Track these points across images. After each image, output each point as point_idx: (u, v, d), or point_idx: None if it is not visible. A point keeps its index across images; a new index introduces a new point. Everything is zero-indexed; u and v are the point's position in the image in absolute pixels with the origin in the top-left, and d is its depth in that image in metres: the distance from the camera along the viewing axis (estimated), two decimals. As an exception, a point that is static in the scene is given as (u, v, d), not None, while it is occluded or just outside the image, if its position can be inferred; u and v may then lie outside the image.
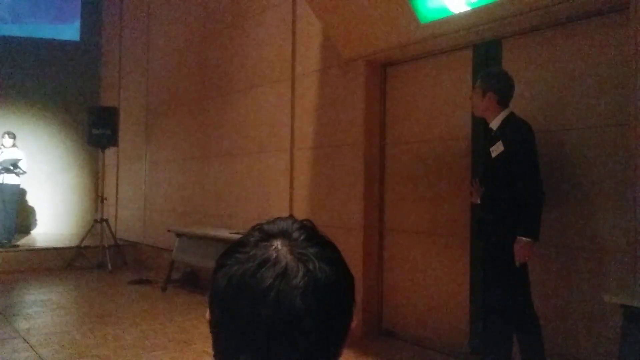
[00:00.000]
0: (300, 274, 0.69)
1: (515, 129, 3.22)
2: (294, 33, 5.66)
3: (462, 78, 4.25)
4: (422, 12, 4.06)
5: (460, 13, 3.85)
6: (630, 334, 2.43)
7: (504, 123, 3.28)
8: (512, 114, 3.30)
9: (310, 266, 0.70)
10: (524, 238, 3.08)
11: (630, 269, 3.07)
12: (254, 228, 0.77)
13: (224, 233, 5.87)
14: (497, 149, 3.24)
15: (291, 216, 0.79)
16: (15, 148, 8.49)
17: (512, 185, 3.14)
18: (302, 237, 0.74)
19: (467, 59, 4.23)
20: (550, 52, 3.71)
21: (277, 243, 0.72)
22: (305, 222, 0.78)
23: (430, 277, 4.48)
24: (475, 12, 3.77)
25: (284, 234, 0.74)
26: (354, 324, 0.76)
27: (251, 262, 0.70)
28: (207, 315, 0.77)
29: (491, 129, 3.35)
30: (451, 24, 3.96)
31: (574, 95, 3.57)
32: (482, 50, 4.12)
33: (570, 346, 3.50)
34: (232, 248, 0.75)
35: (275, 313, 0.67)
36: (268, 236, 0.74)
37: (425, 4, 4.03)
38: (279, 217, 0.79)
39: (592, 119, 3.47)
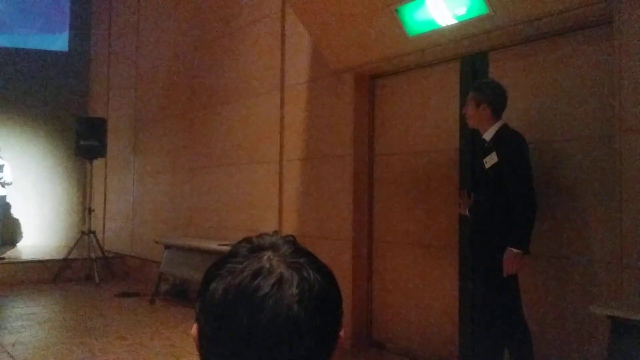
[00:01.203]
0: (295, 282, 0.72)
1: (509, 140, 3.24)
2: (283, 45, 5.68)
3: (450, 90, 4.28)
4: (410, 24, 4.10)
5: (447, 26, 3.89)
6: (618, 345, 2.44)
7: (497, 134, 3.30)
8: (505, 125, 3.32)
9: (304, 274, 0.73)
10: (514, 249, 3.08)
11: (617, 280, 3.09)
12: (241, 241, 0.80)
13: (213, 245, 5.84)
14: (490, 160, 3.26)
15: (276, 232, 0.82)
16: (0, 159, 8.42)
17: (505, 196, 3.15)
18: (289, 250, 0.77)
19: (455, 71, 4.26)
20: (536, 65, 3.75)
21: (268, 254, 0.75)
22: (289, 238, 0.81)
23: (419, 288, 4.48)
24: (462, 25, 3.81)
25: (273, 247, 0.77)
26: (342, 332, 0.78)
27: (246, 272, 0.72)
28: (194, 329, 0.77)
29: (484, 140, 3.37)
30: (438, 37, 4.00)
31: (560, 107, 3.60)
32: (469, 62, 4.16)
33: (559, 357, 3.51)
34: (222, 260, 0.77)
35: (274, 320, 0.69)
36: (258, 248, 0.77)
37: (412, 16, 4.06)
38: (264, 233, 0.81)
39: (578, 130, 3.51)
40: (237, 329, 0.70)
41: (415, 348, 4.47)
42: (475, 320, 3.43)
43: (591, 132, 3.44)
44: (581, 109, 3.50)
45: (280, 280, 0.71)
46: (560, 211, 3.54)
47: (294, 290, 0.71)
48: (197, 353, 0.77)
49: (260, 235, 0.80)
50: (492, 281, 3.22)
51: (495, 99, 3.30)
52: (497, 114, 3.32)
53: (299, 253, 0.77)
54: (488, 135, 3.34)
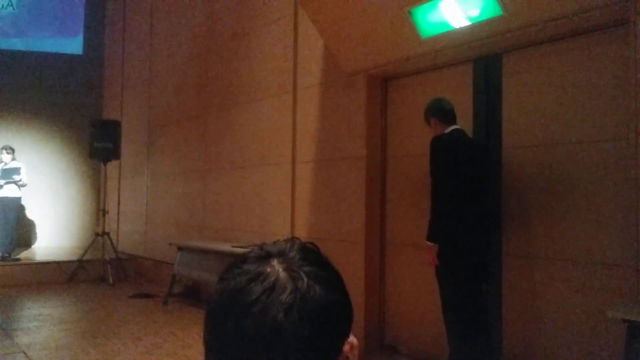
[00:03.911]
0: (288, 290, 0.69)
1: (431, 144, 3.55)
2: (295, 47, 5.69)
3: (463, 91, 4.26)
4: (423, 26, 4.09)
5: (460, 28, 3.88)
6: (634, 349, 2.42)
7: None
8: (452, 130, 3.62)
9: (299, 283, 0.70)
10: (427, 242, 3.50)
11: (633, 283, 3.06)
12: (256, 246, 0.79)
13: (226, 246, 5.86)
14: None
15: (295, 237, 0.80)
16: (15, 162, 8.52)
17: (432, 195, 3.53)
18: (298, 256, 0.74)
19: (468, 73, 4.24)
20: (550, 67, 3.72)
21: (274, 261, 0.73)
22: (307, 244, 0.79)
23: (432, 291, 4.45)
24: (475, 27, 3.80)
25: (281, 253, 0.75)
26: (347, 347, 0.75)
27: (243, 277, 0.71)
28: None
29: None
30: (452, 39, 3.98)
31: (574, 109, 3.58)
32: (482, 64, 4.14)
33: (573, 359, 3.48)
34: (232, 263, 0.76)
35: (258, 327, 0.67)
36: (267, 254, 0.75)
37: (426, 18, 4.05)
38: (284, 239, 0.80)
39: (593, 132, 3.48)
40: (225, 334, 0.69)
41: (427, 351, 4.45)
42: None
43: (606, 135, 3.41)
44: (596, 111, 3.47)
45: (272, 287, 0.69)
46: (574, 214, 3.52)
47: (285, 299, 0.68)
48: None
49: (276, 241, 0.79)
50: (437, 275, 3.59)
51: (439, 111, 3.69)
52: (447, 122, 3.66)
53: (306, 261, 0.74)
54: None
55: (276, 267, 0.72)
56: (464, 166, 3.47)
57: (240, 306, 0.69)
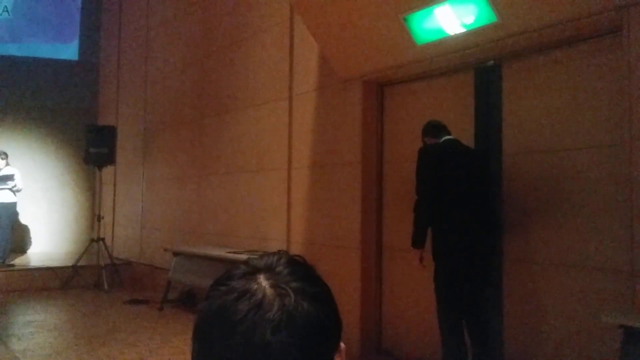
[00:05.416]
0: (276, 307, 0.68)
1: (417, 152, 3.77)
2: (291, 53, 5.70)
3: (463, 100, 4.27)
4: (418, 33, 4.11)
5: (455, 34, 3.90)
6: (629, 354, 2.43)
7: None
8: (444, 141, 3.79)
9: (286, 301, 0.69)
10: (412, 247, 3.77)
11: (628, 288, 3.07)
12: (243, 262, 0.78)
13: (222, 252, 5.85)
14: None
15: (281, 251, 0.79)
16: (9, 167, 8.48)
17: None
18: (285, 271, 0.73)
19: (469, 82, 4.25)
20: (547, 74, 3.75)
21: (261, 277, 0.72)
22: (295, 257, 0.77)
23: (428, 296, 4.45)
24: (470, 34, 3.82)
25: (268, 268, 0.74)
26: (338, 358, 0.75)
27: (230, 295, 0.70)
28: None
29: None
30: (447, 45, 4.01)
31: (570, 115, 3.60)
32: (483, 73, 4.16)
33: (570, 366, 3.48)
34: (218, 280, 0.75)
35: (246, 345, 0.66)
36: (254, 270, 0.74)
37: (421, 25, 4.07)
38: (269, 252, 0.78)
39: (588, 139, 3.50)
40: (212, 355, 0.68)
41: (424, 356, 4.44)
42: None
43: (601, 141, 3.43)
44: (591, 117, 3.49)
45: (259, 305, 0.68)
46: (572, 219, 3.53)
47: (272, 316, 0.67)
48: None
49: (262, 255, 0.77)
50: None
51: (429, 128, 3.95)
52: (439, 136, 3.85)
53: (294, 275, 0.72)
54: None
55: (263, 284, 0.70)
56: (446, 174, 3.63)
57: (227, 325, 0.67)
